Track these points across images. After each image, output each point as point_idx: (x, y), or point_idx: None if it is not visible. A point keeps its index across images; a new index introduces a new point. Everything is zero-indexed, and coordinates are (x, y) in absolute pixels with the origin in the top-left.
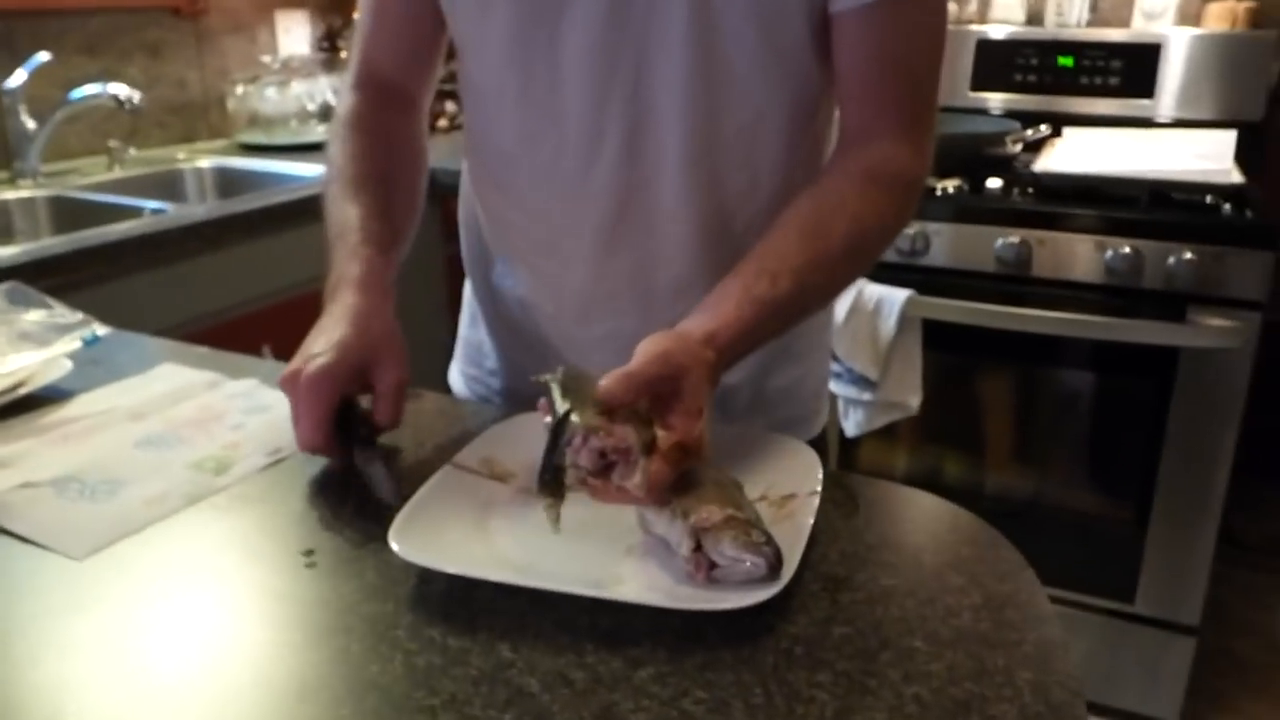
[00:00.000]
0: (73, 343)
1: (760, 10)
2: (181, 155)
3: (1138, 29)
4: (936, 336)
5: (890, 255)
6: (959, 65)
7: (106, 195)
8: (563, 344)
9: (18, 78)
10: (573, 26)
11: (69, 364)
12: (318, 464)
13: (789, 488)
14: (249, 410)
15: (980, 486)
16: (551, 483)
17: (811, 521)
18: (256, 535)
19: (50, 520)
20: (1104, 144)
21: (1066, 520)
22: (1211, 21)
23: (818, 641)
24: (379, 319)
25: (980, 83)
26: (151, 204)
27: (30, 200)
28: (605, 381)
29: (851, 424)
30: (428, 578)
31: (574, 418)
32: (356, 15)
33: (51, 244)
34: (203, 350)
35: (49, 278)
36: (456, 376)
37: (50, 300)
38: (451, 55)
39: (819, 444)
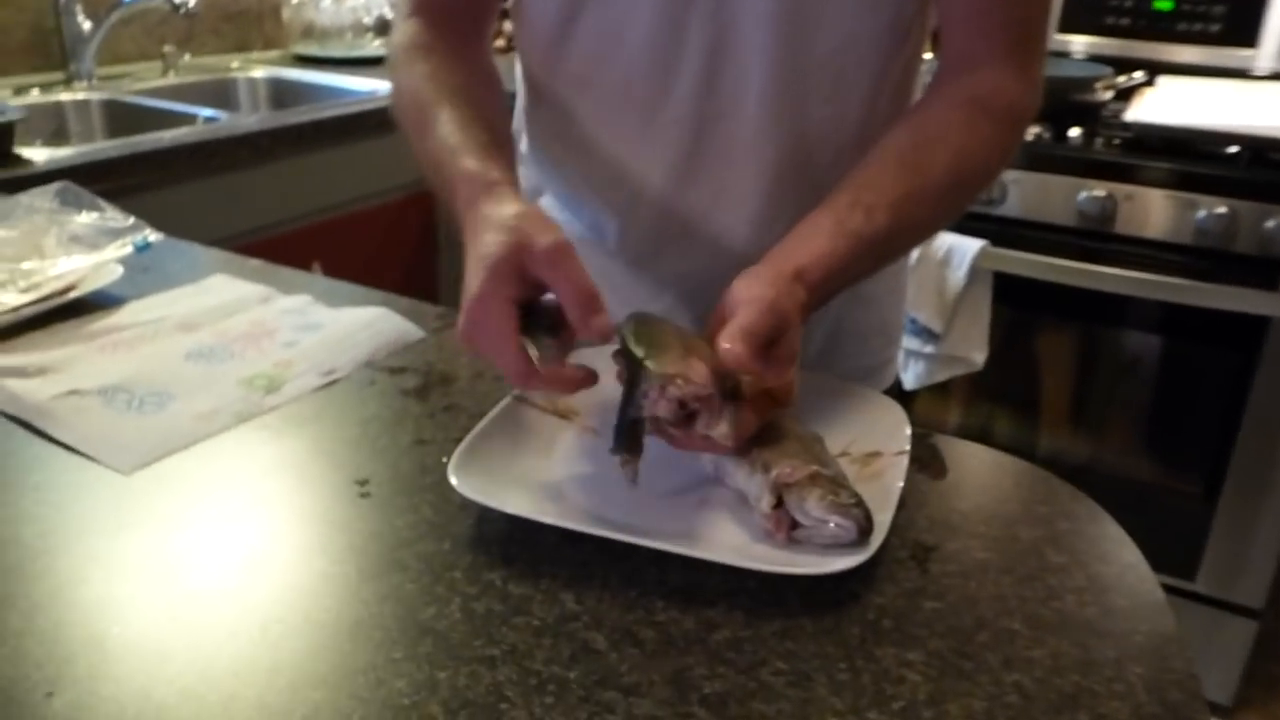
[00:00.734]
0: (124, 247)
1: None
2: (235, 64)
3: None
4: (1004, 290)
5: None
6: None
7: (160, 101)
8: (623, 283)
9: None
10: None
11: (119, 269)
12: (372, 388)
13: (873, 445)
14: (301, 328)
15: (1033, 447)
16: (629, 437)
17: (901, 485)
18: (308, 460)
19: (97, 431)
20: (1202, 95)
21: (1124, 488)
22: None
23: (907, 615)
24: (529, 219)
25: (1069, 24)
26: (205, 111)
27: (85, 103)
28: (725, 343)
29: (911, 376)
30: (488, 516)
31: (650, 364)
32: None
33: (105, 147)
34: (256, 263)
35: (101, 182)
36: None
37: (102, 203)
38: None
39: (895, 396)
